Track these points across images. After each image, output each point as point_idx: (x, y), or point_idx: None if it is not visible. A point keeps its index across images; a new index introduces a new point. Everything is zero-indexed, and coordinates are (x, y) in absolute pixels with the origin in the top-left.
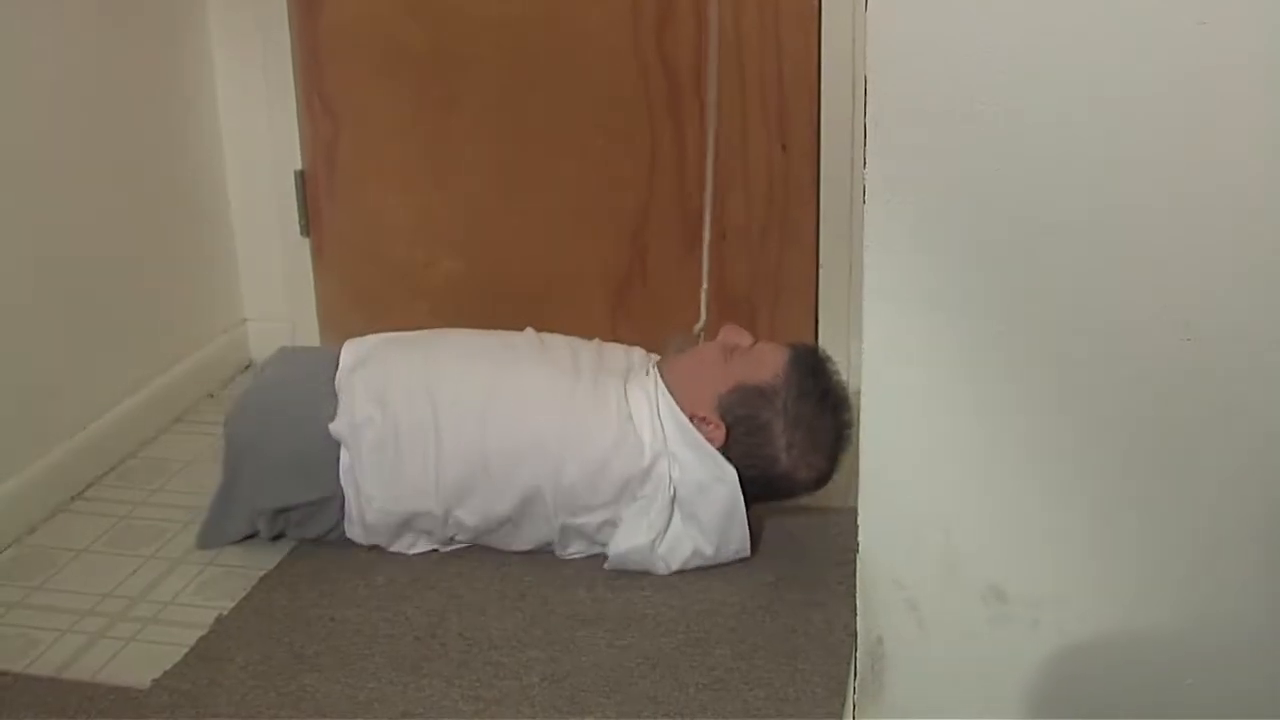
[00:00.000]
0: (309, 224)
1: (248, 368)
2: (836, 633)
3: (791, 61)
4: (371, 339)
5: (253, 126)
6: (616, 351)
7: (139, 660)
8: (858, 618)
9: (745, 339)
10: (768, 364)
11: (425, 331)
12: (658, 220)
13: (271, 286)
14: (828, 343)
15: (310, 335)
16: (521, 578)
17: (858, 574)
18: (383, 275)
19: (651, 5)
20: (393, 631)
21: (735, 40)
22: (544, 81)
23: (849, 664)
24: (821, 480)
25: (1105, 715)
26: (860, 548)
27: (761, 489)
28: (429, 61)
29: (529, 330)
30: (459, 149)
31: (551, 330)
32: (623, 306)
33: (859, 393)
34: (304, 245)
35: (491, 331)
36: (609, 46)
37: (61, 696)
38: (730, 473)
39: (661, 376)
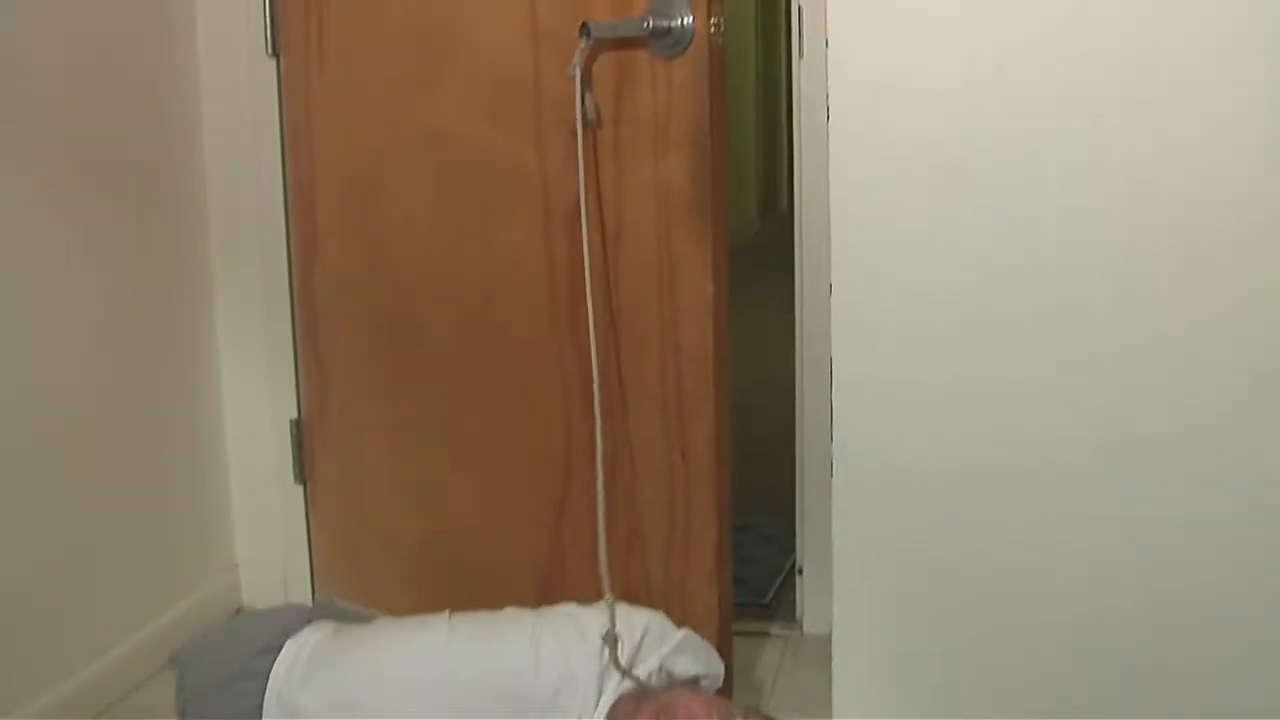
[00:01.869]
0: (304, 471)
1: (238, 611)
2: None
3: (691, 360)
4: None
5: (252, 376)
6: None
7: None
8: None
9: None
10: None
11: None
12: (572, 511)
13: (266, 532)
14: None
15: (302, 581)
16: None
17: None
18: (364, 529)
19: (564, 290)
20: None
21: (638, 335)
22: (480, 356)
23: None
24: None
25: None
26: None
27: None
28: (390, 325)
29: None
30: (416, 412)
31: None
32: (546, 597)
33: None
34: (298, 493)
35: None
36: (529, 330)
37: None
38: None
39: None
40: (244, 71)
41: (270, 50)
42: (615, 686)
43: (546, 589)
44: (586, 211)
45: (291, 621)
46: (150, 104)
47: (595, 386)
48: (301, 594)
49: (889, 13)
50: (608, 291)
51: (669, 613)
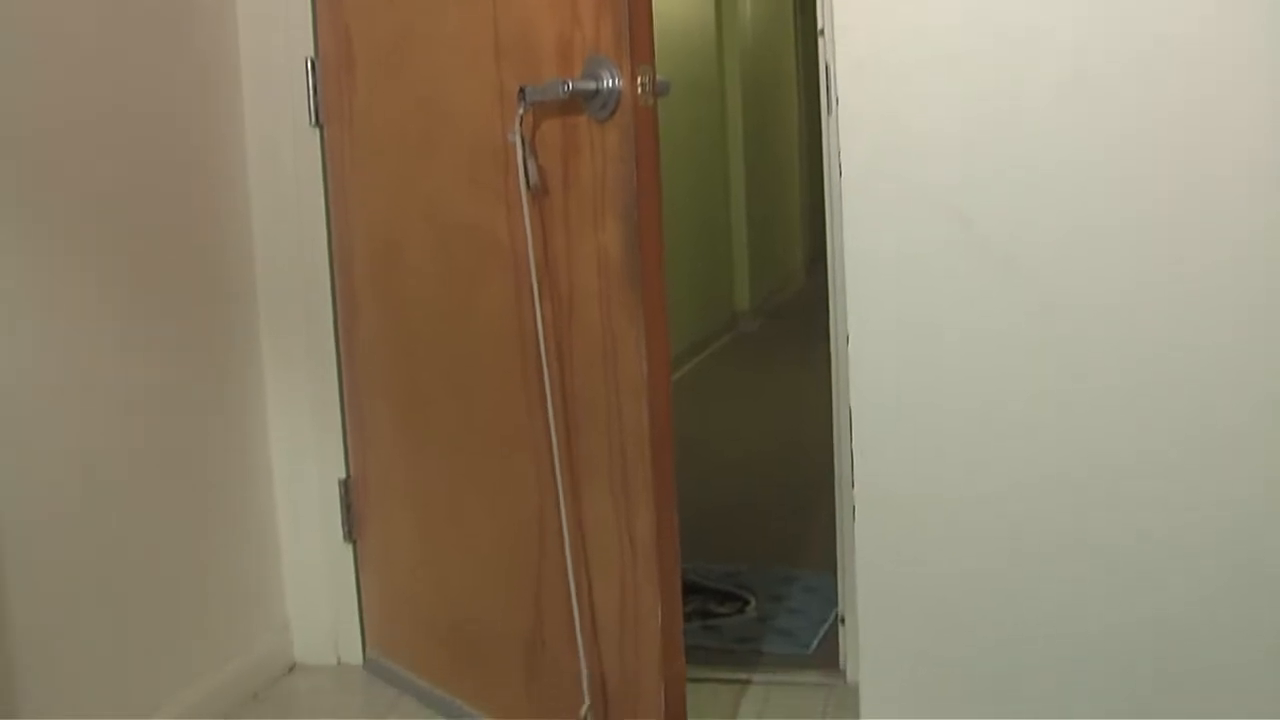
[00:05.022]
0: (353, 531)
1: (291, 669)
2: None
3: (632, 440)
4: None
5: (301, 436)
6: None
7: None
8: None
9: None
10: None
11: None
12: (548, 585)
13: (316, 591)
14: None
15: (353, 640)
16: None
17: None
18: (397, 590)
19: (532, 360)
20: None
21: (589, 412)
22: (471, 427)
23: None
24: None
25: None
26: None
27: None
28: (408, 393)
29: None
30: (428, 481)
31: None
32: (532, 663)
33: None
34: (347, 551)
35: None
36: (505, 401)
37: None
38: None
39: None
40: (289, 139)
41: (314, 121)
42: None
43: (532, 656)
44: (537, 281)
45: None
46: (199, 174)
47: (556, 466)
48: (353, 653)
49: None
50: (561, 365)
51: (624, 702)
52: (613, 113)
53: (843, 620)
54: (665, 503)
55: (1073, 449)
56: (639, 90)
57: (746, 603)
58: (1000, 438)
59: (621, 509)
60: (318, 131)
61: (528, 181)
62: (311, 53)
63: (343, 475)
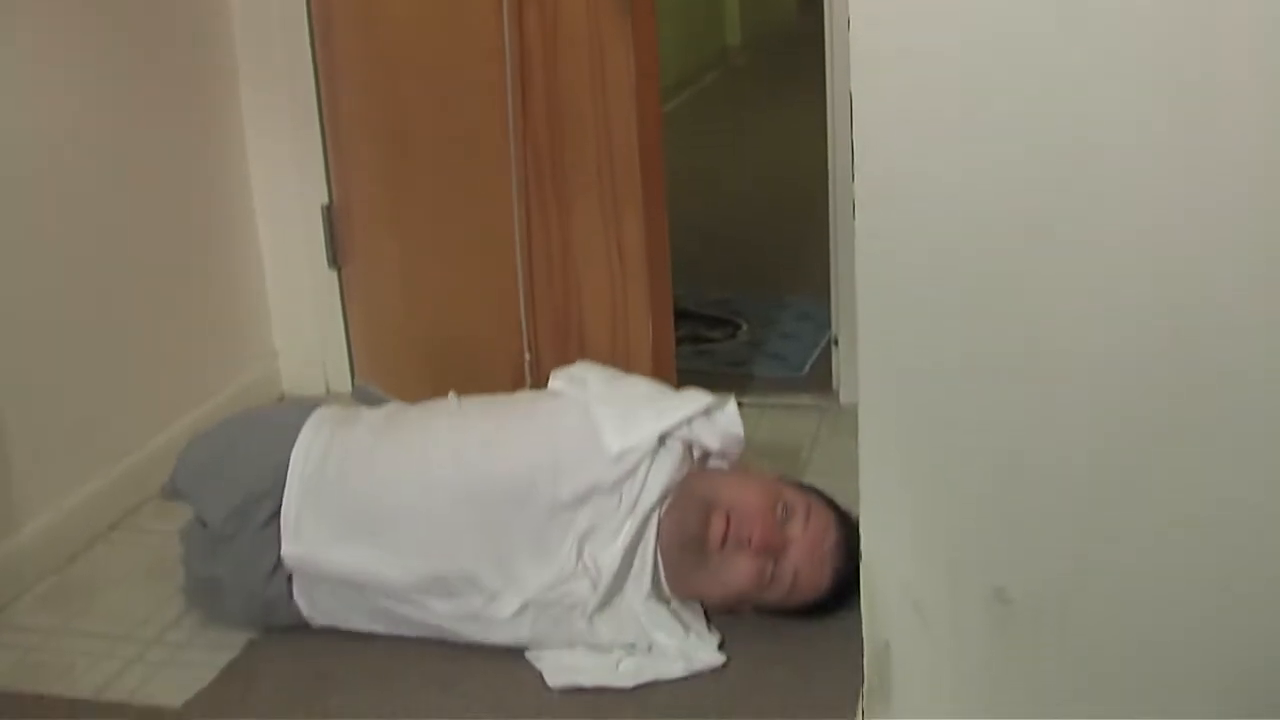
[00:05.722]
0: (337, 257)
1: (280, 399)
2: (855, 643)
3: (621, 150)
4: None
5: (281, 162)
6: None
7: (172, 682)
8: (864, 624)
9: (785, 557)
10: (815, 587)
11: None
12: (537, 300)
13: (302, 320)
14: None
15: (340, 367)
16: None
17: (862, 580)
18: (384, 315)
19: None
20: (421, 650)
21: (576, 125)
22: (455, 151)
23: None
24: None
25: (1114, 715)
26: (864, 554)
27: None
28: (386, 105)
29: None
30: (411, 207)
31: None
32: (518, 388)
33: None
34: (333, 279)
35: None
36: (487, 119)
37: (99, 717)
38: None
39: (666, 562)
40: None
41: None
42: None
43: (519, 377)
44: None
45: (288, 431)
46: None
47: (512, 177)
48: (341, 380)
49: None
50: (547, 77)
51: None
52: None
53: (836, 342)
54: (654, 212)
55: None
56: None
57: (739, 328)
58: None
59: (611, 220)
60: None
61: None
62: None
63: (325, 201)
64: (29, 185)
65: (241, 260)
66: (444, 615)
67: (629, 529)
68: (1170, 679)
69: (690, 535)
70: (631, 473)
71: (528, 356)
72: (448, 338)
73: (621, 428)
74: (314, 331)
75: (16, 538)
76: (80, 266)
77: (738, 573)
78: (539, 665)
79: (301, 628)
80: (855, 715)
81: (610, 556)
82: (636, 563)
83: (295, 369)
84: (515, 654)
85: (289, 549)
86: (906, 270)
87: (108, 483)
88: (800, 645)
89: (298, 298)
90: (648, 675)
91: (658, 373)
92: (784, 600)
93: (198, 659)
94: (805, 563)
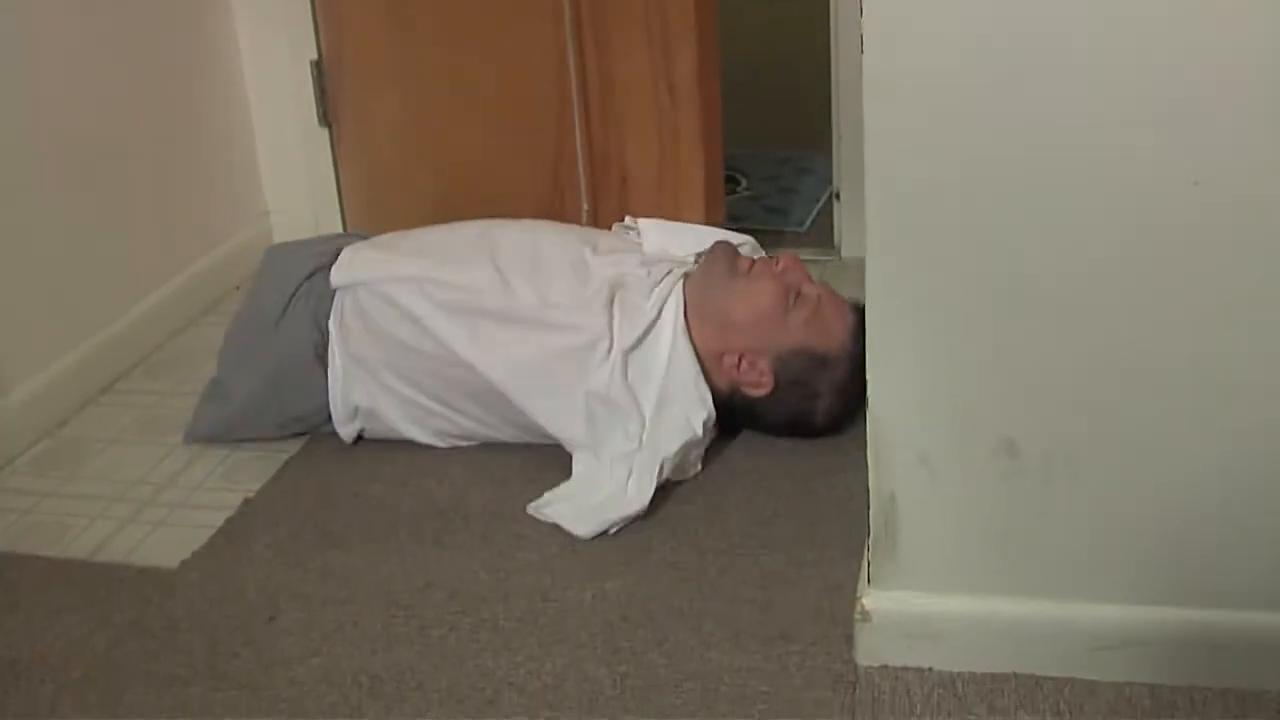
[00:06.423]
0: (327, 114)
1: None
2: (857, 497)
3: None
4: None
5: (268, 17)
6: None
7: (168, 542)
8: (869, 475)
9: (809, 285)
10: (835, 330)
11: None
12: (568, 149)
13: (294, 177)
14: None
15: (333, 225)
16: (542, 451)
17: (869, 431)
18: (384, 172)
19: None
20: (416, 507)
21: None
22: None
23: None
24: (838, 429)
25: (1118, 571)
26: (870, 405)
27: (777, 430)
28: None
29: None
30: (422, 60)
31: None
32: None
33: None
34: (323, 136)
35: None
36: None
37: (94, 578)
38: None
39: (694, 298)
40: None
41: None
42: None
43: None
44: None
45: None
46: None
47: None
48: None
49: None
50: None
51: None
52: None
53: (838, 196)
54: (707, 47)
55: None
56: None
57: (738, 183)
58: None
59: (659, 58)
60: None
61: None
62: None
63: (315, 57)
64: (7, 45)
65: (230, 120)
66: (497, 358)
67: (660, 289)
68: (1180, 533)
69: (719, 267)
70: (661, 261)
71: (585, 207)
72: (465, 191)
73: (661, 242)
74: (305, 190)
75: (4, 400)
76: (66, 130)
77: (764, 290)
78: (555, 519)
79: (308, 471)
80: (861, 564)
81: (637, 303)
82: (668, 311)
83: (287, 228)
84: (516, 513)
85: (338, 276)
86: (913, 112)
87: (98, 346)
88: (803, 500)
89: (289, 156)
90: (650, 476)
91: (709, 216)
92: (804, 342)
93: (193, 519)
94: (828, 299)
